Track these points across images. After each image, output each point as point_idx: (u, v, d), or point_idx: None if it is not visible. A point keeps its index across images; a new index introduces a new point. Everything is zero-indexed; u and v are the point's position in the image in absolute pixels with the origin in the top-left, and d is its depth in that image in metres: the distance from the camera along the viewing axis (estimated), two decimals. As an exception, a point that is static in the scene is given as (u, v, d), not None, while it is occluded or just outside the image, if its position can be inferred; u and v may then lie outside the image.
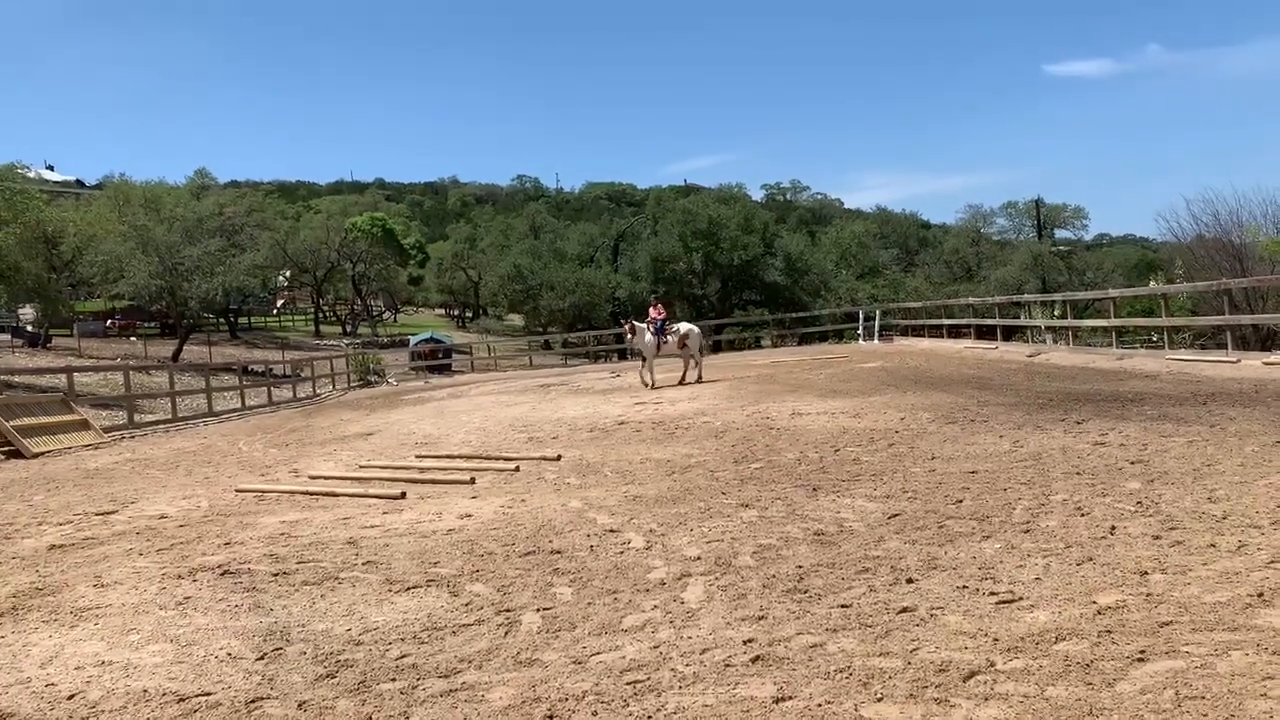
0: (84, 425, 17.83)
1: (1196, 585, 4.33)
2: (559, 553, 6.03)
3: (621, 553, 5.92)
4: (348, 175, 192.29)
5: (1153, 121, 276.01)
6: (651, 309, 21.13)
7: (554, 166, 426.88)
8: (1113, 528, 5.47)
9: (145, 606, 5.40)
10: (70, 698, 4.07)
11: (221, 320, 59.84)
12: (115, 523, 8.34)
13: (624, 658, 4.07)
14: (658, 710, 3.49)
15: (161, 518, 8.44)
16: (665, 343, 20.05)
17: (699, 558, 5.61)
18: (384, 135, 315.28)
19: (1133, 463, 7.35)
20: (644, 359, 20.17)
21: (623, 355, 41.43)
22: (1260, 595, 4.11)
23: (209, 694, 4.00)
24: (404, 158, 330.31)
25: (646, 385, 19.15)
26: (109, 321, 54.42)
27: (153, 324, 53.90)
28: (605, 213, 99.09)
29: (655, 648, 4.15)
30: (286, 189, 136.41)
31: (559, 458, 10.23)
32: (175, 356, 40.15)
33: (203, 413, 23.85)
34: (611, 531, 6.52)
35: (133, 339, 50.07)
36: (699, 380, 19.50)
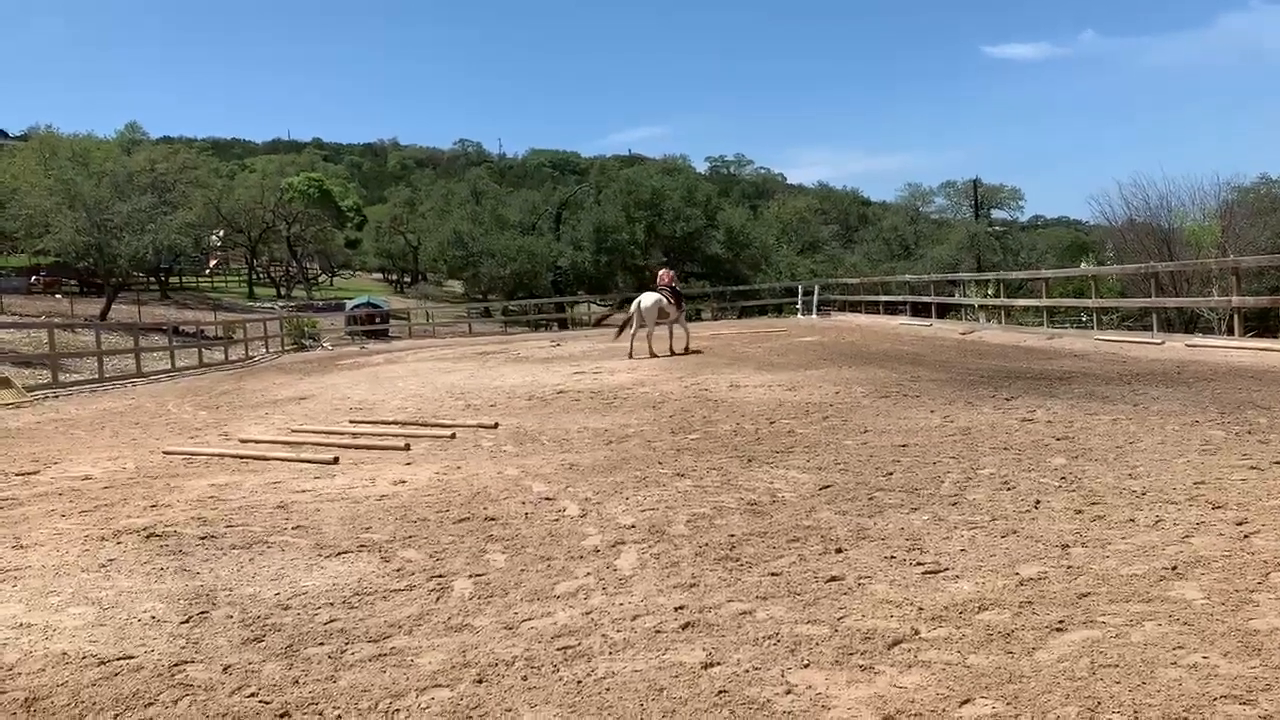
0: (5, 383, 17.31)
1: (1115, 558, 4.46)
2: (493, 519, 6.01)
3: (556, 520, 5.92)
4: (284, 134, 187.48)
5: (1088, 106, 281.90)
6: (665, 274, 20.11)
7: (497, 132, 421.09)
8: (1037, 502, 5.60)
9: (67, 568, 5.28)
10: (-15, 660, 3.96)
11: (152, 280, 58.30)
12: (37, 483, 8.13)
13: (556, 624, 4.07)
14: (587, 675, 3.51)
15: (85, 479, 8.24)
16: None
17: (633, 526, 5.64)
18: (322, 94, 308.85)
19: (1059, 439, 7.53)
20: (681, 328, 19.42)
21: (563, 325, 41.37)
22: (1174, 568, 4.25)
23: (131, 657, 3.92)
24: (343, 118, 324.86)
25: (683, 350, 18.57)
26: (33, 278, 52.69)
27: (73, 282, 52.28)
28: (548, 180, 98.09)
29: (587, 614, 4.16)
30: (221, 146, 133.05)
31: (496, 425, 10.18)
32: (103, 315, 38.96)
33: (131, 373, 23.28)
34: (547, 499, 6.52)
35: (58, 296, 48.59)
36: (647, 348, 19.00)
